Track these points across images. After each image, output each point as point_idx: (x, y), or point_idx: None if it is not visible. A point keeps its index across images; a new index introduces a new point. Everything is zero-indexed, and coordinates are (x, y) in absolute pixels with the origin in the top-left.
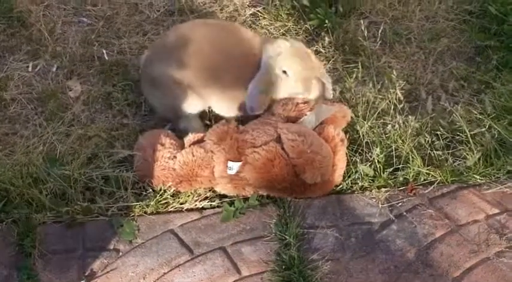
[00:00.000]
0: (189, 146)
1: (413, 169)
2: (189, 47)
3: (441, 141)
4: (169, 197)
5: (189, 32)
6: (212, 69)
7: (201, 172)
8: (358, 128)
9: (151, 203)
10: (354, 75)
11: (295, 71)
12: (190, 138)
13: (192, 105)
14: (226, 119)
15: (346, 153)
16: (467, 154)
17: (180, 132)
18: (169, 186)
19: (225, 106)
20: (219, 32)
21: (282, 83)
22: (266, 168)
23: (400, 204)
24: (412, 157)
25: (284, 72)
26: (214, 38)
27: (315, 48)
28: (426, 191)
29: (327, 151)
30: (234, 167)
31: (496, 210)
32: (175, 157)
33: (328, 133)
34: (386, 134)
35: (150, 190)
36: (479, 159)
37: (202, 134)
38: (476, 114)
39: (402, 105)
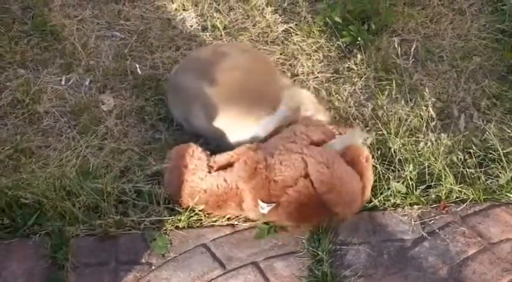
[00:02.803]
0: (217, 170)
1: (446, 187)
2: (222, 65)
3: (474, 159)
4: (201, 213)
5: (226, 51)
6: (234, 92)
7: (228, 204)
8: (391, 145)
9: (183, 218)
10: (386, 93)
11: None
12: (218, 160)
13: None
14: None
15: (374, 169)
16: (500, 172)
17: (212, 147)
18: (198, 205)
19: (234, 131)
20: (254, 61)
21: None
22: (299, 211)
23: (432, 221)
24: (445, 175)
25: None
26: (248, 65)
27: (347, 65)
28: (459, 209)
29: (356, 183)
30: (266, 208)
31: None
32: (204, 177)
33: (353, 155)
34: (419, 151)
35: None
36: None
37: (231, 155)
38: (509, 132)
39: (434, 122)
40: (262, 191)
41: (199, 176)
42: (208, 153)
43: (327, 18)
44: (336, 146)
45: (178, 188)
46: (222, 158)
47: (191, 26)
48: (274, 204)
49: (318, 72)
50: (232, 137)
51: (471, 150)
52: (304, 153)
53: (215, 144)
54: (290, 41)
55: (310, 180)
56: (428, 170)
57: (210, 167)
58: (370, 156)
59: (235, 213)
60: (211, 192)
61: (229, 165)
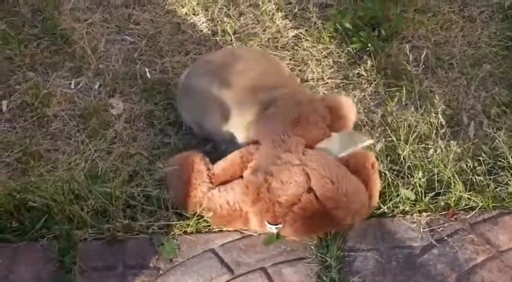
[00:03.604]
0: (217, 184)
1: (455, 194)
2: (235, 67)
3: (483, 166)
4: (209, 219)
5: (239, 53)
6: (248, 95)
7: (234, 224)
8: (400, 151)
9: (191, 223)
10: (396, 99)
11: None
12: (215, 171)
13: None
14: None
15: (383, 175)
16: (509, 180)
17: (220, 152)
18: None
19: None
20: (268, 63)
21: None
22: (305, 226)
23: (441, 228)
24: (454, 182)
25: None
26: (262, 67)
27: (357, 72)
28: (468, 216)
29: (363, 193)
30: (275, 229)
31: None
32: (206, 191)
33: (357, 162)
34: (428, 158)
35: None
36: None
37: (225, 167)
38: None
39: (444, 130)
40: (268, 214)
41: (201, 190)
42: (207, 160)
43: (337, 24)
44: (334, 151)
45: (183, 200)
46: (218, 169)
47: (201, 31)
48: (281, 225)
49: (327, 78)
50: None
51: (480, 158)
52: (304, 164)
53: (225, 147)
54: (300, 47)
55: (314, 194)
56: (437, 177)
57: (210, 178)
58: (377, 163)
59: (243, 227)
60: (215, 212)
61: (228, 179)
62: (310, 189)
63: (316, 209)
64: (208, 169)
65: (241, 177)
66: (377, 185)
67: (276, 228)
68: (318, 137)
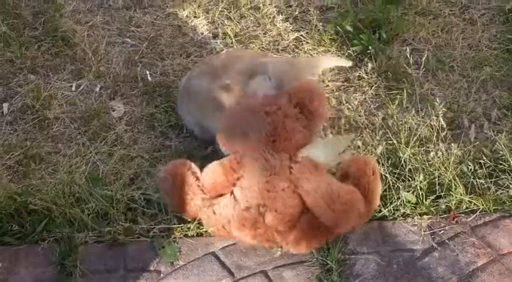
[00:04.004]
0: (210, 199)
1: (456, 197)
2: (236, 67)
3: (484, 169)
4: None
5: (240, 54)
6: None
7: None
8: (401, 154)
9: (192, 227)
10: (397, 102)
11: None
12: (204, 184)
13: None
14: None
15: (384, 178)
16: (510, 183)
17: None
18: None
19: None
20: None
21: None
22: (307, 242)
23: (442, 231)
24: (455, 185)
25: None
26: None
27: (357, 74)
28: (468, 219)
29: (359, 204)
30: (278, 252)
31: None
32: (201, 202)
33: (358, 168)
34: (429, 161)
35: None
36: None
37: (211, 181)
38: None
39: (445, 132)
40: (269, 242)
41: (194, 203)
42: (195, 169)
43: (338, 27)
44: (320, 159)
45: (180, 210)
46: (205, 181)
47: (202, 33)
48: (281, 248)
49: (328, 81)
50: None
51: (481, 161)
52: (295, 184)
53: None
54: (301, 50)
55: (312, 213)
56: (438, 180)
57: (201, 189)
58: (378, 168)
59: None
60: (214, 230)
61: (219, 195)
62: (307, 209)
63: (317, 227)
64: (197, 179)
65: (232, 192)
66: (378, 189)
67: (279, 250)
68: (299, 142)
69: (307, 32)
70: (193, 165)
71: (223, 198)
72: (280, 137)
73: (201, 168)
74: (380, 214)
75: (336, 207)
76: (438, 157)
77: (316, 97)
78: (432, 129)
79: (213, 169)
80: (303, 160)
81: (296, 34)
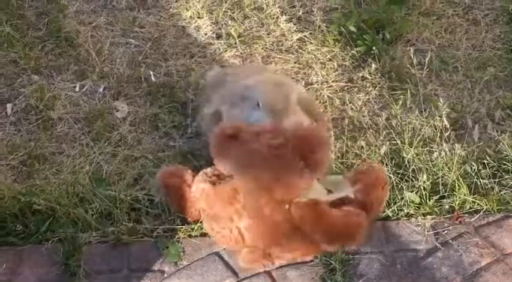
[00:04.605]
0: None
1: (460, 197)
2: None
3: (487, 169)
4: None
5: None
6: None
7: None
8: (404, 154)
9: (196, 227)
10: (400, 102)
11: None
12: (203, 189)
13: None
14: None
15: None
16: None
17: None
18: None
19: None
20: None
21: None
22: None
23: (445, 232)
24: (458, 185)
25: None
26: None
27: (361, 75)
28: (472, 219)
29: (356, 229)
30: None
31: None
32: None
33: (368, 181)
34: (433, 161)
35: None
36: None
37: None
38: None
39: (448, 133)
40: (265, 260)
41: (196, 209)
42: (189, 178)
43: (341, 27)
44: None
45: (183, 213)
46: (197, 193)
47: (205, 34)
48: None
49: (332, 81)
50: None
51: (485, 161)
52: (294, 218)
53: None
54: (304, 50)
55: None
56: (442, 180)
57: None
58: (387, 183)
59: None
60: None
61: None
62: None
63: (318, 252)
64: (189, 186)
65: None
66: (384, 201)
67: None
68: (300, 186)
69: (310, 33)
70: (186, 173)
71: (222, 219)
72: (281, 181)
73: (206, 167)
74: (384, 214)
75: (334, 244)
76: (442, 157)
77: (318, 147)
78: (436, 129)
79: (206, 194)
80: (302, 204)
81: (300, 34)
